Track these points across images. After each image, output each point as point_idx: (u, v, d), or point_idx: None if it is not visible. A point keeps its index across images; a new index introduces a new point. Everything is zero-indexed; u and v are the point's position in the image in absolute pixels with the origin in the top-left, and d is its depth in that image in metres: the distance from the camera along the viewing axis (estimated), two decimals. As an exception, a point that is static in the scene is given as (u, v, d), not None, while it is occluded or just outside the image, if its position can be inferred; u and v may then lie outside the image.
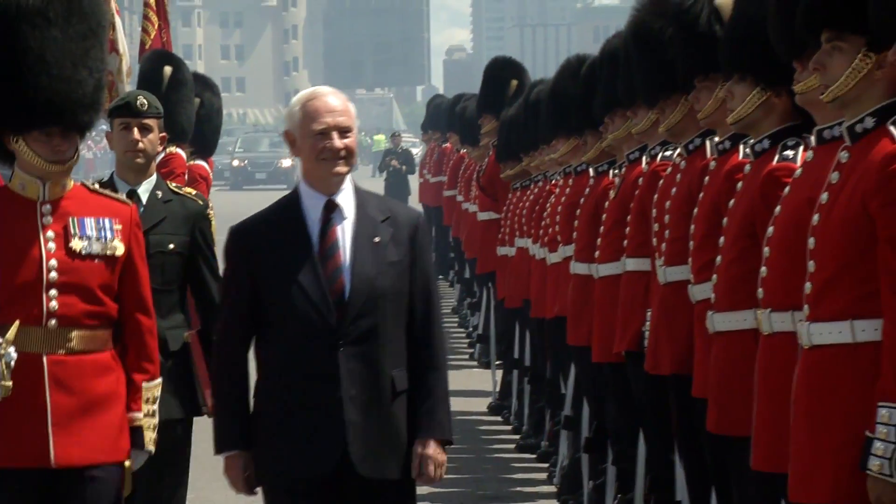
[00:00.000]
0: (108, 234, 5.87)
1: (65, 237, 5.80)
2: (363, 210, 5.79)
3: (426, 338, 5.86)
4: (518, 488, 11.43)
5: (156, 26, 16.10)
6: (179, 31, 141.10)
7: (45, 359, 5.75)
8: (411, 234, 5.82)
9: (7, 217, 5.83)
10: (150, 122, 7.40)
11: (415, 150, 49.34)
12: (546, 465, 11.78)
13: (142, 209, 7.08)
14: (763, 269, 5.56)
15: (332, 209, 5.78)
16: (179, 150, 14.23)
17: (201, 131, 15.20)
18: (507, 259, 13.18)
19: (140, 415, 5.97)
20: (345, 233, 5.77)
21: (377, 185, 40.68)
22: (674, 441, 7.55)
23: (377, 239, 5.74)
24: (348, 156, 5.74)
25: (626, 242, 8.24)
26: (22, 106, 5.72)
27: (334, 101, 5.79)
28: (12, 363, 5.58)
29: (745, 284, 5.85)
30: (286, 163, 73.51)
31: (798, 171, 5.57)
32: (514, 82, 14.51)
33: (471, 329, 19.16)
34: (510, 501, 10.99)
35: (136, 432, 5.98)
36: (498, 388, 14.74)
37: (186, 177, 14.86)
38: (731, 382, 6.03)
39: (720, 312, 6.15)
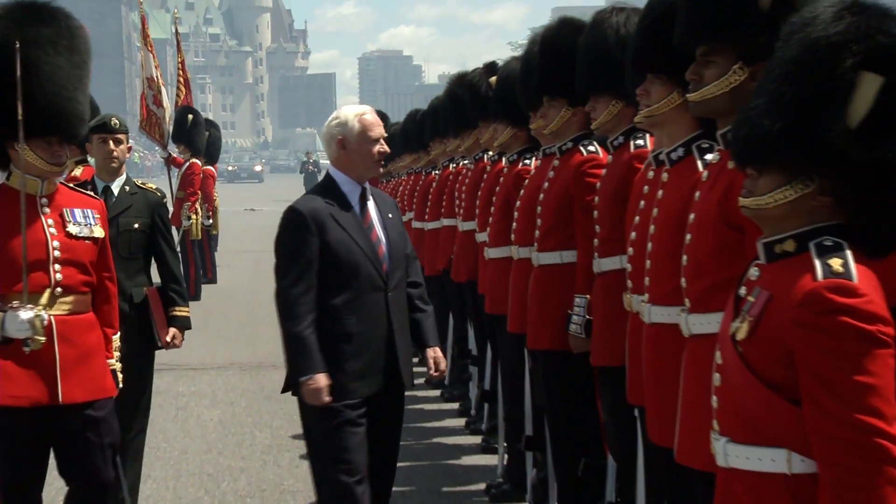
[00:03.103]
0: (92, 221, 4.57)
1: (62, 223, 4.48)
2: (374, 194, 4.64)
3: (419, 278, 4.76)
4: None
5: (184, 93, 15.92)
6: (197, 96, 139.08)
7: (53, 318, 4.37)
8: (397, 210, 4.74)
9: (13, 208, 4.39)
10: (121, 136, 5.77)
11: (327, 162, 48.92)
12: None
13: (115, 199, 5.72)
14: (514, 224, 5.58)
15: (364, 194, 4.58)
16: (197, 161, 14.18)
17: (209, 150, 15.12)
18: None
19: (113, 361, 4.64)
20: (373, 211, 4.59)
21: (299, 179, 39.11)
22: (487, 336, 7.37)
23: (391, 215, 4.64)
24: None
25: (442, 210, 8.26)
26: (35, 116, 4.32)
27: (376, 116, 4.62)
28: (45, 323, 4.29)
29: (505, 233, 5.88)
30: (257, 168, 73.18)
31: (532, 171, 5.62)
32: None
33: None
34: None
35: (113, 374, 4.65)
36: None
37: (201, 175, 14.71)
38: (501, 287, 5.97)
39: (492, 248, 6.15)
